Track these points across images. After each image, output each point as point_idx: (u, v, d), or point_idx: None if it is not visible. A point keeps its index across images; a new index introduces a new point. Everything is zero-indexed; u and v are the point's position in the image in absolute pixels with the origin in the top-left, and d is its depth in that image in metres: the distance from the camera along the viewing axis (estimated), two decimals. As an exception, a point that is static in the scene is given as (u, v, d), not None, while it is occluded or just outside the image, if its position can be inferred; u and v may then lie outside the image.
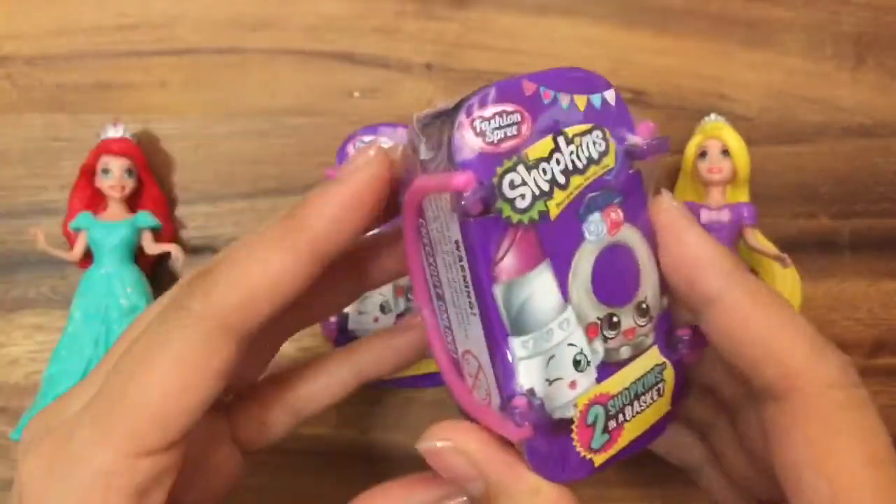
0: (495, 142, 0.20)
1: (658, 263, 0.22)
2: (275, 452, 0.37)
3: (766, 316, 0.20)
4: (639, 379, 0.22)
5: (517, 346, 0.20)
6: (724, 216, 0.36)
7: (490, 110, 0.20)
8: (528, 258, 0.20)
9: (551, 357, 0.20)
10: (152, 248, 0.36)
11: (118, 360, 0.20)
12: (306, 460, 0.37)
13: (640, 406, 0.23)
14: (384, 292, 0.34)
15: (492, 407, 0.20)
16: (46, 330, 0.37)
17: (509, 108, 0.20)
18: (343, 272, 0.24)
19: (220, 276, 0.20)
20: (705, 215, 0.37)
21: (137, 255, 0.36)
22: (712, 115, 0.38)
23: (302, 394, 0.26)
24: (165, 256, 0.37)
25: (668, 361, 0.23)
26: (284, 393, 0.26)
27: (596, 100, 0.22)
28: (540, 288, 0.20)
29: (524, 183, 0.20)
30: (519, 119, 0.20)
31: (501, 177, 0.20)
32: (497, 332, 0.20)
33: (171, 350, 0.19)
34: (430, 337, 0.22)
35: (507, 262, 0.20)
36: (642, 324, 0.22)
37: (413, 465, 0.37)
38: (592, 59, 0.40)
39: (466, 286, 0.20)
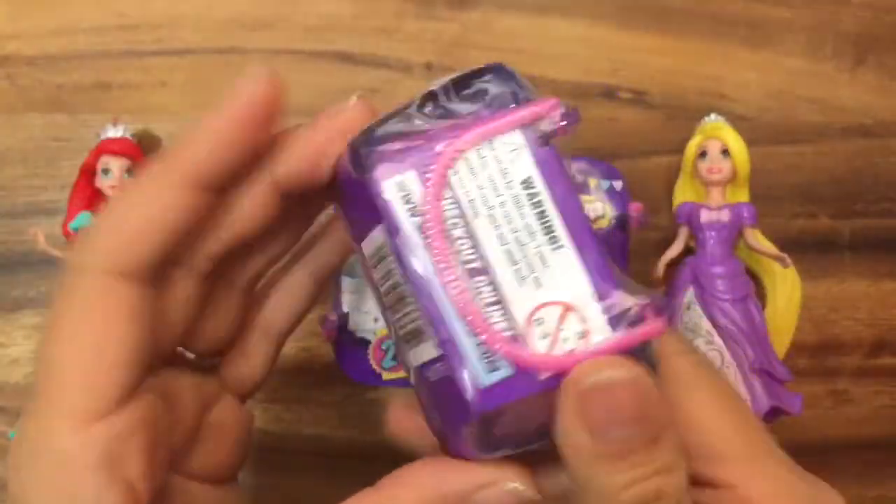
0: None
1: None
2: (275, 452, 0.37)
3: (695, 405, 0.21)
4: None
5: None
6: (724, 216, 0.36)
7: None
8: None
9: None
10: (152, 248, 0.36)
11: (40, 339, 0.20)
12: (306, 460, 0.37)
13: None
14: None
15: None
16: (46, 330, 0.37)
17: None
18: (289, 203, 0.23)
19: (100, 225, 0.20)
20: (705, 215, 0.37)
21: (137, 255, 0.36)
22: (712, 115, 0.38)
23: (267, 312, 0.25)
24: (165, 256, 0.37)
25: None
26: (251, 317, 0.25)
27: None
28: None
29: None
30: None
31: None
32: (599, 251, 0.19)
33: (71, 312, 0.19)
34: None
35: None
36: None
37: (413, 465, 0.37)
38: (592, 60, 0.40)
39: (545, 222, 0.19)
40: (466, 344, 0.17)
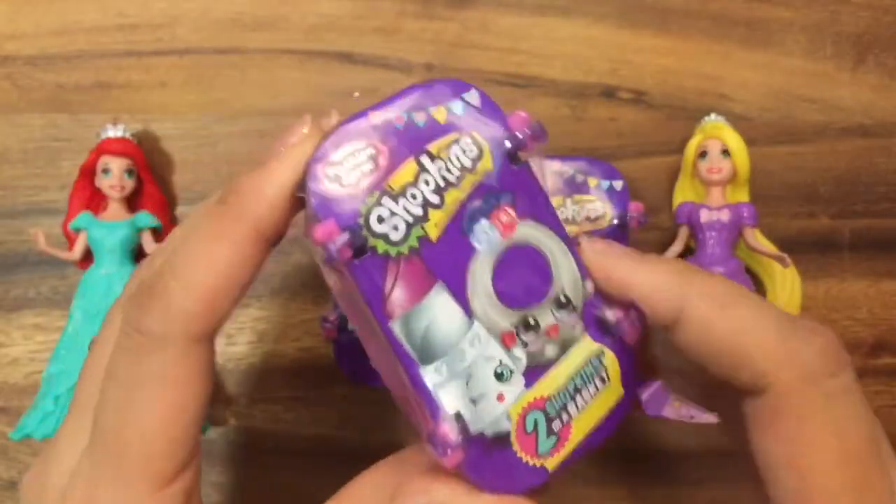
0: (353, 182, 0.19)
1: (570, 247, 0.22)
2: (275, 452, 0.37)
3: (728, 318, 0.20)
4: (575, 373, 0.22)
5: (430, 374, 0.20)
6: (724, 216, 0.36)
7: (340, 153, 0.20)
8: (418, 286, 0.20)
9: (469, 376, 0.20)
10: (152, 248, 0.36)
11: (101, 408, 0.19)
12: (306, 460, 0.37)
13: (585, 399, 0.22)
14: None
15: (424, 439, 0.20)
16: (46, 330, 0.37)
17: (360, 144, 0.20)
18: None
19: (172, 288, 0.19)
20: (705, 215, 0.37)
21: (137, 256, 0.36)
22: (712, 115, 0.38)
23: None
24: (165, 256, 0.37)
25: (603, 346, 0.22)
26: None
27: (456, 106, 0.21)
28: (439, 311, 0.20)
29: (393, 213, 0.20)
30: (373, 152, 0.20)
31: (367, 215, 0.19)
32: (408, 366, 0.20)
33: (152, 381, 0.19)
34: (384, 378, 0.22)
35: (397, 296, 0.20)
36: (565, 317, 0.22)
37: (413, 465, 0.37)
38: (592, 60, 0.40)
39: (372, 324, 0.20)
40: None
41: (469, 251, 0.21)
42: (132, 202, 0.37)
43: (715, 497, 0.39)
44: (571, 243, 0.22)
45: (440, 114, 0.21)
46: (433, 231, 0.20)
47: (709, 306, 0.20)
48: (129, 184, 0.36)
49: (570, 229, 0.27)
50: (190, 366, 0.19)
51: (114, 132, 0.36)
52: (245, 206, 0.19)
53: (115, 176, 0.35)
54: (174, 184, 0.38)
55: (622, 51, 0.40)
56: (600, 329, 0.22)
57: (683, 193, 0.38)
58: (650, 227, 0.38)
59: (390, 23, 0.39)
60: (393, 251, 0.20)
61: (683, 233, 0.37)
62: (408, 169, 0.20)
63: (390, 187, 0.20)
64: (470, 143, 0.21)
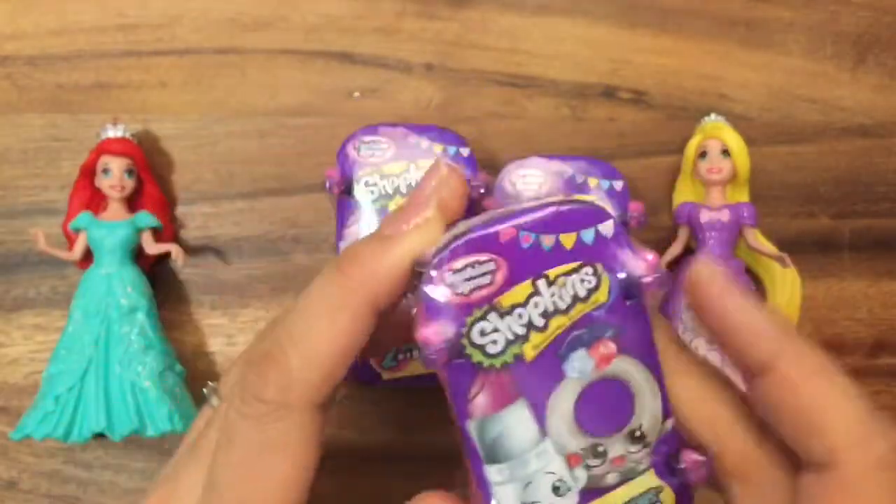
0: (465, 293, 0.20)
1: (661, 387, 0.22)
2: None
3: (816, 386, 0.20)
4: (629, 502, 0.22)
5: (492, 473, 0.21)
6: (724, 216, 0.36)
7: (462, 262, 0.20)
8: (501, 397, 0.21)
9: (528, 483, 0.21)
10: (152, 248, 0.36)
11: (219, 469, 0.20)
12: (306, 460, 0.37)
13: None
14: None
15: None
16: (46, 330, 0.37)
17: (482, 257, 0.20)
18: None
19: (292, 357, 0.19)
20: (705, 215, 0.37)
21: (137, 255, 0.36)
22: (712, 115, 0.38)
23: None
24: (165, 256, 0.37)
25: (665, 484, 0.22)
26: None
27: (587, 235, 0.21)
28: (515, 423, 0.21)
29: (496, 330, 0.20)
30: (493, 268, 0.20)
31: (471, 326, 0.20)
32: (474, 460, 0.21)
33: (272, 448, 0.19)
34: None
35: (480, 401, 0.20)
36: (634, 451, 0.22)
37: (413, 465, 0.37)
38: (592, 60, 0.40)
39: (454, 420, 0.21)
40: None
41: (559, 376, 0.21)
42: (132, 202, 0.37)
43: (713, 496, 0.39)
44: (663, 383, 0.22)
45: (569, 240, 0.21)
46: (530, 352, 0.21)
47: (801, 368, 0.20)
48: (129, 184, 0.36)
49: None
50: (308, 434, 0.20)
51: (114, 132, 0.36)
52: (365, 278, 0.20)
53: (115, 176, 0.35)
54: (174, 184, 0.38)
55: (622, 51, 0.40)
56: (667, 467, 0.22)
57: (683, 193, 0.38)
58: (650, 227, 0.38)
59: (390, 23, 0.39)
60: (487, 363, 0.20)
61: (683, 233, 0.37)
62: (522, 289, 0.21)
63: (500, 304, 0.20)
64: (590, 273, 0.21)
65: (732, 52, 0.41)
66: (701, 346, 0.35)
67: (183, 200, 0.38)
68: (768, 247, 0.37)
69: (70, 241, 0.36)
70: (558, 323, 0.21)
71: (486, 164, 0.37)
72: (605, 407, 0.22)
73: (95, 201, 0.36)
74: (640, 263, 0.22)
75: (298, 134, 0.39)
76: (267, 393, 0.19)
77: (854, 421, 0.20)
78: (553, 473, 0.21)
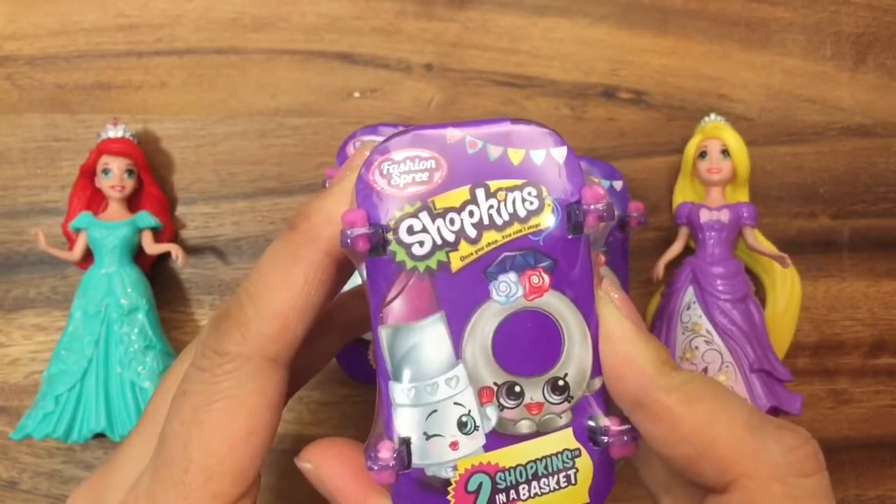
0: (400, 186, 0.20)
1: (594, 338, 0.20)
2: (275, 452, 0.37)
3: (697, 412, 0.19)
4: (541, 459, 0.21)
5: (397, 392, 0.20)
6: (724, 216, 0.36)
7: (402, 153, 0.20)
8: (419, 306, 0.20)
9: (433, 411, 0.20)
10: (152, 247, 0.36)
11: (169, 423, 0.20)
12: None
13: (541, 489, 0.21)
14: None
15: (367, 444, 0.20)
16: (47, 330, 0.37)
17: (424, 153, 0.20)
18: (324, 328, 0.24)
19: (248, 310, 0.19)
20: (705, 215, 0.37)
21: (137, 255, 0.36)
22: (712, 116, 0.38)
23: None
24: (165, 256, 0.37)
25: (583, 449, 0.21)
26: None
27: (538, 156, 0.20)
28: (429, 338, 0.20)
29: (425, 230, 0.20)
30: (433, 166, 0.20)
31: (399, 220, 0.20)
32: (382, 375, 0.20)
33: (224, 399, 0.19)
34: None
35: (397, 306, 0.20)
36: (554, 401, 0.21)
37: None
38: (592, 60, 0.40)
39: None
40: None
41: (484, 295, 0.20)
42: (132, 202, 0.37)
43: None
44: (597, 335, 0.20)
45: (517, 156, 0.20)
46: (457, 262, 0.20)
47: (674, 395, 0.19)
48: (130, 184, 0.36)
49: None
50: (262, 391, 0.19)
51: (114, 132, 0.36)
52: (313, 228, 0.20)
53: (115, 176, 0.35)
54: (174, 184, 0.38)
55: (622, 51, 0.40)
56: (588, 431, 0.21)
57: (683, 193, 0.38)
58: (650, 227, 0.38)
59: (390, 23, 0.39)
60: (410, 264, 0.20)
61: (683, 233, 0.38)
62: (459, 195, 0.20)
63: (433, 204, 0.20)
64: (534, 195, 0.20)
65: (732, 53, 0.41)
66: (700, 346, 0.35)
67: (183, 200, 0.38)
68: (768, 247, 0.37)
69: (70, 241, 0.36)
70: (491, 238, 0.20)
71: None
72: (528, 343, 0.20)
73: (96, 201, 0.36)
74: (587, 193, 0.20)
75: (298, 134, 0.39)
76: (222, 346, 0.19)
77: (743, 436, 0.18)
78: (461, 406, 0.20)
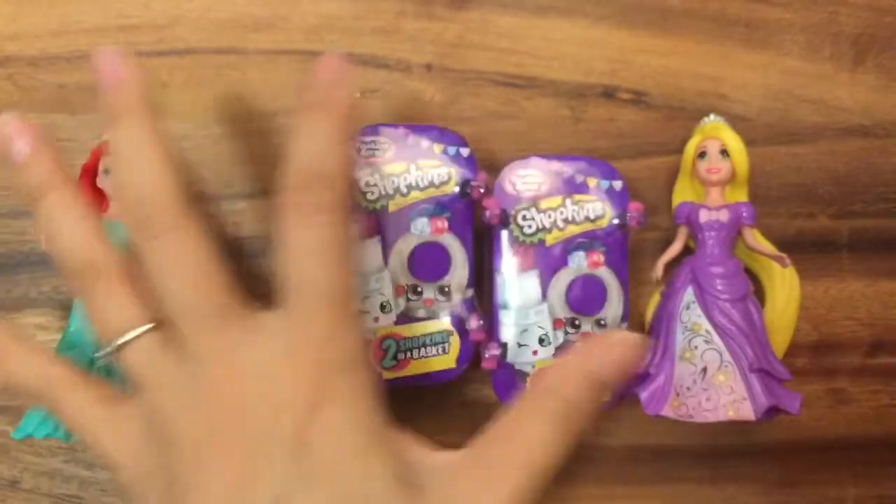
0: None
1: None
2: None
3: None
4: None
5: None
6: (723, 216, 0.36)
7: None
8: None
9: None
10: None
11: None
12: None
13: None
14: (384, 292, 0.34)
15: None
16: (48, 329, 0.37)
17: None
18: None
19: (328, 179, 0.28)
20: (704, 215, 0.37)
21: (138, 255, 0.36)
22: (711, 116, 0.38)
23: None
24: (166, 256, 0.37)
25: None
26: None
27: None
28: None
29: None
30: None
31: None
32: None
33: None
34: None
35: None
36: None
37: (413, 464, 0.37)
38: (592, 60, 0.40)
39: None
40: None
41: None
42: (133, 202, 0.37)
43: (712, 496, 0.39)
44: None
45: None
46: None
47: None
48: (130, 184, 0.36)
49: (571, 229, 0.36)
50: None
51: (115, 132, 0.36)
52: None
53: (116, 176, 0.36)
54: (175, 184, 0.38)
55: (622, 51, 0.40)
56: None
57: (683, 193, 0.38)
58: (650, 227, 0.39)
59: (390, 23, 0.40)
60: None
61: (683, 233, 0.38)
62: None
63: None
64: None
65: (732, 53, 0.41)
66: (700, 346, 0.35)
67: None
68: (767, 246, 0.37)
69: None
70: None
71: (486, 164, 0.37)
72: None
73: (97, 201, 0.37)
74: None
75: (299, 134, 0.39)
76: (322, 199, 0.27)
77: None
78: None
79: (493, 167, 0.37)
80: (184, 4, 0.39)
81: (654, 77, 0.40)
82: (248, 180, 0.38)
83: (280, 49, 0.39)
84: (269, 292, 0.38)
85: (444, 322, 0.34)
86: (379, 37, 0.39)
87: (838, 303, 0.40)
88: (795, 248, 0.39)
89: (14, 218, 0.38)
